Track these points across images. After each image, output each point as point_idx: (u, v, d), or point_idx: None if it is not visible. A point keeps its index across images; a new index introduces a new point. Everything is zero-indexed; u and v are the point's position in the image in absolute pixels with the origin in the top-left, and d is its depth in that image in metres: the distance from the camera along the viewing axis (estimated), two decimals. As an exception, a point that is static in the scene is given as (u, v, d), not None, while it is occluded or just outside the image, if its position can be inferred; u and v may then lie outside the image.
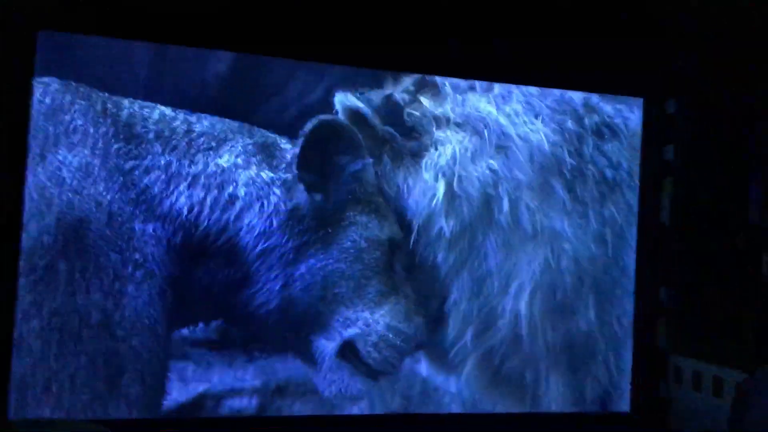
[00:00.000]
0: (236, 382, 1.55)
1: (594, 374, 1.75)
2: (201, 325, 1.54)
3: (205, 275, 1.49)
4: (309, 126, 1.46)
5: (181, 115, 1.49)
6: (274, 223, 1.48)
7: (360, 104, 1.55)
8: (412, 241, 1.56)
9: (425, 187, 1.55)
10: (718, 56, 1.69)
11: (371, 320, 1.49)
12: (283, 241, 1.48)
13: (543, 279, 1.66)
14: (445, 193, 1.57)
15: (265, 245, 1.48)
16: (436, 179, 1.56)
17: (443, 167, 1.56)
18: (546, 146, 1.63)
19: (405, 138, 1.56)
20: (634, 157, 1.75)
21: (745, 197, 1.76)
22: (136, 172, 1.49)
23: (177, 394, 1.53)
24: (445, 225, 1.56)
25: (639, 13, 1.62)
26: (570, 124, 1.67)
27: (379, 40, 1.54)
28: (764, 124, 1.73)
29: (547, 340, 1.69)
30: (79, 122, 1.45)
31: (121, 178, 1.48)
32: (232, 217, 1.48)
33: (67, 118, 1.45)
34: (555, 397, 1.71)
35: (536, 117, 1.64)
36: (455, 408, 1.65)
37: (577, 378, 1.73)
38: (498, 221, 1.61)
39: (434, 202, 1.56)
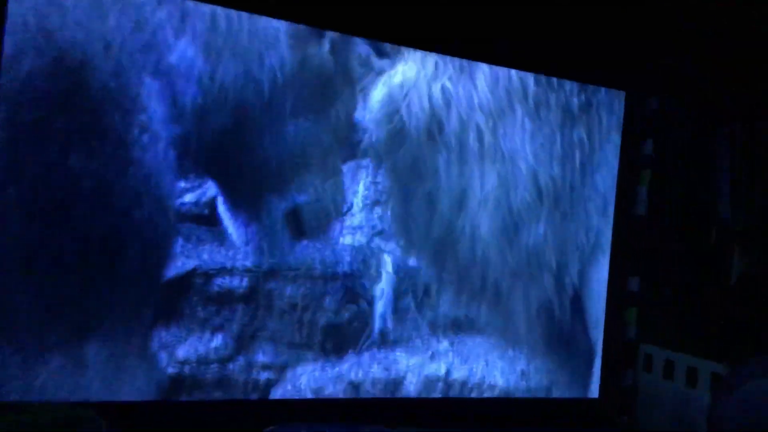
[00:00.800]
0: (227, 261, 1.48)
1: (545, 285, 1.80)
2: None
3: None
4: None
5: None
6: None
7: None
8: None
9: (376, 104, 1.61)
10: (705, 56, 1.85)
11: None
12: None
13: (496, 196, 1.72)
14: (390, 112, 1.63)
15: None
16: (388, 96, 1.62)
17: (396, 85, 1.62)
18: (513, 72, 1.72)
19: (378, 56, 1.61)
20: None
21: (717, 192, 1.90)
22: (148, 7, 1.38)
23: (165, 270, 1.43)
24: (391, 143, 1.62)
25: (632, 8, 1.73)
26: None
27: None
28: (733, 124, 1.89)
29: (505, 256, 1.74)
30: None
31: (134, 14, 1.37)
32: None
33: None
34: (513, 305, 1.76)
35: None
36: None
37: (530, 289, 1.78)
38: (447, 141, 1.67)
39: (381, 117, 1.62)
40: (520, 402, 1.80)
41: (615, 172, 1.87)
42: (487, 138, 1.71)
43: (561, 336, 1.84)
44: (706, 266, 1.94)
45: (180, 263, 1.45)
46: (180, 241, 1.45)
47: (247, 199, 1.50)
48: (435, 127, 1.65)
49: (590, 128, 1.83)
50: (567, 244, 1.82)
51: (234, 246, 1.49)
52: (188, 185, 1.46)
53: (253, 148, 1.50)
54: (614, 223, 1.88)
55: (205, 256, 1.48)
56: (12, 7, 1.28)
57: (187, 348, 1.48)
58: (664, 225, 1.90)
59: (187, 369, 1.47)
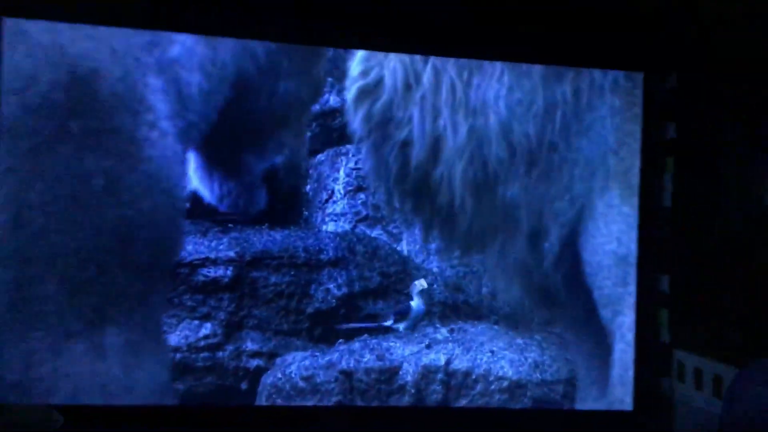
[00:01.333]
0: (210, 252, 1.54)
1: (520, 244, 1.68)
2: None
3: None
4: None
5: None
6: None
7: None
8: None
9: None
10: (722, 26, 1.57)
11: None
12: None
13: (467, 148, 1.64)
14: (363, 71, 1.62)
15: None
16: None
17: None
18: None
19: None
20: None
21: (752, 175, 1.58)
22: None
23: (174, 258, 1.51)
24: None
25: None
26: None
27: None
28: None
29: (480, 210, 1.65)
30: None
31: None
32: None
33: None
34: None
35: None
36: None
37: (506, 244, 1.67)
38: (423, 94, 1.62)
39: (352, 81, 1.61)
40: (538, 414, 1.68)
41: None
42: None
43: (563, 312, 1.70)
44: (741, 257, 1.68)
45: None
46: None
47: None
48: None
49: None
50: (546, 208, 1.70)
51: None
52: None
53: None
54: (639, 216, 1.71)
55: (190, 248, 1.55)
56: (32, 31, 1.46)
57: (186, 335, 1.54)
58: (691, 217, 1.70)
59: (193, 355, 1.54)
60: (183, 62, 1.51)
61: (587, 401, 1.71)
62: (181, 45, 1.52)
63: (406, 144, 1.63)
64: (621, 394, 1.71)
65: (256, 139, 1.57)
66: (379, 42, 1.61)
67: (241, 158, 1.57)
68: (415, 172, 1.64)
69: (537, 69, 1.68)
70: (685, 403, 1.63)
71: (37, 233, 1.45)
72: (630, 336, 1.72)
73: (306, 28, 1.58)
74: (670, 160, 1.72)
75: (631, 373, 1.71)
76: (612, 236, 1.72)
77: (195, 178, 1.55)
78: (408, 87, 1.63)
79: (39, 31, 1.46)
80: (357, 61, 1.63)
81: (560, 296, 1.71)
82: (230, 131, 1.55)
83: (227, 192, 1.55)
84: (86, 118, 1.47)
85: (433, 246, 1.66)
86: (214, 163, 1.55)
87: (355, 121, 1.62)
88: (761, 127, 1.59)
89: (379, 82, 1.63)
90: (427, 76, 1.64)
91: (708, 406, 1.54)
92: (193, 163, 1.54)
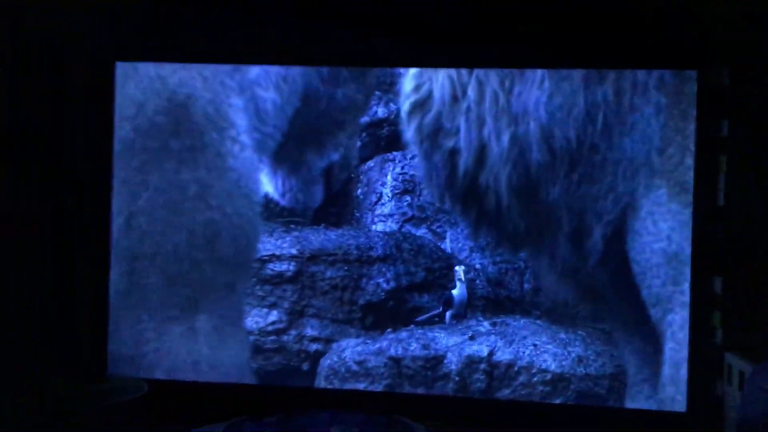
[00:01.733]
0: (276, 250, 1.78)
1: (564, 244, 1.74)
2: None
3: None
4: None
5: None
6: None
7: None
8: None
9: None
10: None
11: None
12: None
13: (511, 155, 1.72)
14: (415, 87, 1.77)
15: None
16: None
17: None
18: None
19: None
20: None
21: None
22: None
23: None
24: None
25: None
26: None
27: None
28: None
29: (524, 212, 1.74)
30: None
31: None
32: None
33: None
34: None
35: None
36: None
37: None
38: (469, 105, 1.74)
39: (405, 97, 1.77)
40: (585, 410, 1.72)
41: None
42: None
43: (612, 310, 1.73)
44: None
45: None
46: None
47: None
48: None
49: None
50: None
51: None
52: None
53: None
54: (693, 216, 1.69)
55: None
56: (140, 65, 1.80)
57: (257, 320, 1.81)
58: (745, 215, 1.65)
59: (261, 339, 1.80)
60: (260, 82, 1.78)
61: (639, 399, 1.72)
62: (259, 67, 1.80)
63: (454, 152, 1.77)
64: (672, 393, 1.70)
65: (316, 139, 1.80)
66: (422, 59, 1.77)
67: (303, 157, 1.81)
68: (464, 178, 1.77)
69: (578, 72, 1.73)
70: (734, 407, 1.59)
71: (143, 234, 1.79)
72: (681, 335, 1.70)
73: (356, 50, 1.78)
74: (723, 158, 1.69)
75: (682, 372, 1.69)
76: (661, 234, 1.71)
77: (264, 180, 1.81)
78: (455, 99, 1.77)
79: (145, 65, 1.79)
80: (409, 77, 1.80)
81: (608, 294, 1.74)
82: (296, 136, 1.80)
83: (289, 188, 1.79)
84: (183, 137, 1.78)
85: (475, 243, 1.78)
86: (279, 163, 1.81)
87: (409, 132, 1.79)
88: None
89: (429, 96, 1.78)
90: (471, 88, 1.76)
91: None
92: (265, 168, 1.80)
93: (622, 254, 1.74)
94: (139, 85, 1.78)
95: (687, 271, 1.70)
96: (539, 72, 1.74)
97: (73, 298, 1.81)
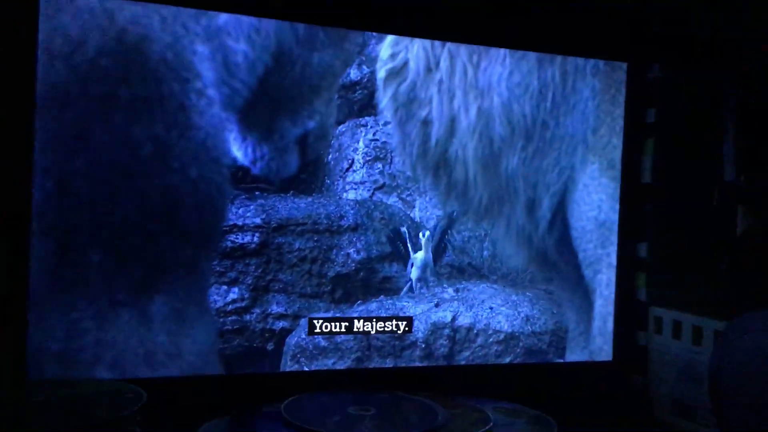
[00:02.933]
0: (238, 219, 1.59)
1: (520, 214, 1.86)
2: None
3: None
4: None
5: None
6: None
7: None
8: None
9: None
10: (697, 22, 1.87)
11: None
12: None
13: (477, 127, 1.80)
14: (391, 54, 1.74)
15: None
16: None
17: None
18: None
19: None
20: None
21: (720, 156, 1.88)
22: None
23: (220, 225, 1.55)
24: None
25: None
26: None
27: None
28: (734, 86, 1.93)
29: (488, 183, 1.82)
30: None
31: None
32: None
33: None
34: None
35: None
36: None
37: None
38: (441, 78, 1.76)
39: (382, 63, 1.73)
40: (531, 367, 1.88)
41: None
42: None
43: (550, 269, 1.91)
44: (711, 228, 1.98)
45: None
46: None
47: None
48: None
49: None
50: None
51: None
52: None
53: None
54: (621, 192, 1.93)
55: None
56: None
57: (214, 299, 1.60)
58: (669, 191, 1.95)
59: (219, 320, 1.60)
60: (229, 30, 1.55)
61: (575, 351, 1.93)
62: (228, 13, 1.56)
63: (426, 123, 1.77)
64: (601, 343, 1.95)
65: (290, 105, 1.63)
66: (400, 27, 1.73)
67: (276, 124, 1.63)
68: (435, 148, 1.78)
69: (533, 53, 1.85)
70: (661, 352, 1.89)
71: (80, 202, 1.46)
72: (607, 293, 1.95)
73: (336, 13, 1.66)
74: (650, 141, 1.96)
75: (609, 325, 1.95)
76: (593, 204, 1.94)
77: (234, 147, 1.59)
78: (428, 70, 1.76)
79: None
80: (386, 45, 1.73)
81: (554, 258, 1.91)
82: (267, 98, 1.61)
83: (260, 156, 1.61)
84: (135, 85, 1.48)
85: (443, 212, 1.80)
86: (249, 128, 1.60)
87: (384, 99, 1.73)
88: (725, 119, 1.91)
89: (404, 65, 1.75)
90: (444, 60, 1.77)
91: (685, 353, 1.81)
92: (233, 132, 1.59)
93: (564, 222, 1.92)
94: (78, 17, 1.43)
95: (613, 237, 1.95)
96: (502, 50, 1.82)
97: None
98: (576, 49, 1.89)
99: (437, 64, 1.76)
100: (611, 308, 1.96)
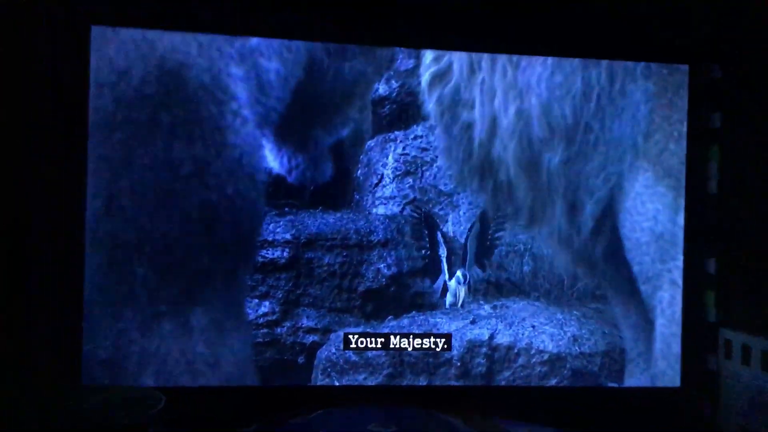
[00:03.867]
0: (269, 235, 1.66)
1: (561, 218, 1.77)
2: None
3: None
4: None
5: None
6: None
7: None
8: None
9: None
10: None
11: None
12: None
13: (516, 128, 1.74)
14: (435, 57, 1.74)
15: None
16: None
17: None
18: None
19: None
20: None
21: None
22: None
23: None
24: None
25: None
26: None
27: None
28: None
29: (530, 186, 1.76)
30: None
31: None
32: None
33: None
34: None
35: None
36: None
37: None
38: (483, 78, 1.74)
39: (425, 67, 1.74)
40: (580, 391, 1.76)
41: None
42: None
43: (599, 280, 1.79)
44: None
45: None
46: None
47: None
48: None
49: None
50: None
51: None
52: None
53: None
54: (686, 202, 1.78)
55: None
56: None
57: (246, 312, 1.67)
58: (737, 203, 1.77)
59: (253, 331, 1.67)
60: (262, 50, 1.64)
61: (635, 373, 1.78)
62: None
63: (470, 125, 1.75)
64: (664, 367, 1.77)
65: (323, 115, 1.69)
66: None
67: (310, 133, 1.69)
68: (479, 149, 1.75)
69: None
70: (731, 378, 1.69)
71: (127, 219, 1.60)
72: (670, 311, 1.78)
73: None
74: (715, 149, 1.79)
75: (674, 347, 1.77)
76: (649, 215, 1.79)
77: (269, 157, 1.67)
78: (472, 71, 1.75)
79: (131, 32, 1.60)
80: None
81: (603, 268, 1.79)
82: (300, 110, 1.68)
83: (295, 165, 1.68)
84: (175, 109, 1.60)
85: (474, 229, 1.76)
86: (284, 139, 1.68)
87: (430, 104, 1.74)
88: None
89: (449, 67, 1.75)
90: (485, 60, 1.76)
91: (755, 380, 1.61)
92: (268, 144, 1.67)
93: (614, 231, 1.79)
94: (122, 48, 1.60)
95: (674, 250, 1.79)
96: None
97: (35, 295, 1.59)
98: (628, 53, 1.79)
99: (480, 64, 1.75)
100: (675, 329, 1.78)
